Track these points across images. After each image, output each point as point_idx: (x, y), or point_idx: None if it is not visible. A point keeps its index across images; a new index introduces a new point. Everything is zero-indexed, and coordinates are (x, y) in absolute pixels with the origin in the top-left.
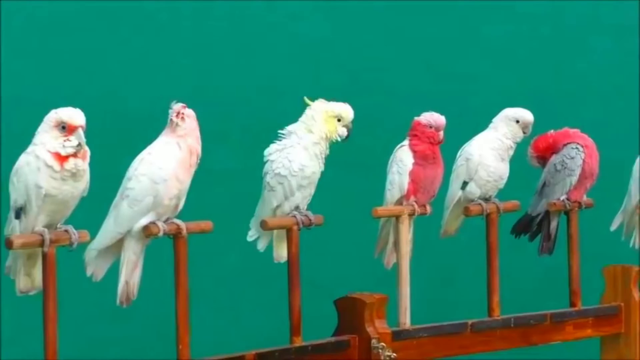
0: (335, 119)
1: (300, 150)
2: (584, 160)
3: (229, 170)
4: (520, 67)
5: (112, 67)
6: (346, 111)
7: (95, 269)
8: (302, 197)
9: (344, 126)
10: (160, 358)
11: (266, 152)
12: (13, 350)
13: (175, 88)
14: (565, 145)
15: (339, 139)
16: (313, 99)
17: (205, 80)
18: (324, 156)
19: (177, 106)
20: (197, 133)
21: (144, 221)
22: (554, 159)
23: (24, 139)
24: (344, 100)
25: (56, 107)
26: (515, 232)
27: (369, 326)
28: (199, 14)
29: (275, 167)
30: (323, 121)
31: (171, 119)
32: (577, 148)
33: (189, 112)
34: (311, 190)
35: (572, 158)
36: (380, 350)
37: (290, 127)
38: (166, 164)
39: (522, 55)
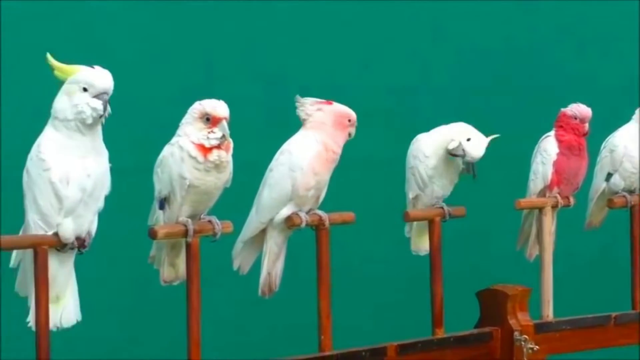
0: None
1: (426, 144)
2: None
3: (374, 162)
4: None
5: (263, 60)
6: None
7: (242, 262)
8: (441, 187)
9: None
10: (302, 349)
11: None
12: (155, 339)
13: (320, 81)
14: None
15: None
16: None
17: (349, 71)
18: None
19: (308, 100)
20: (331, 130)
21: (285, 211)
22: None
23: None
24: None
25: (202, 99)
26: None
27: (512, 318)
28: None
29: (408, 160)
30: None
31: (305, 112)
32: None
33: (328, 108)
34: (445, 180)
35: None
36: (522, 343)
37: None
38: (303, 154)
39: None
